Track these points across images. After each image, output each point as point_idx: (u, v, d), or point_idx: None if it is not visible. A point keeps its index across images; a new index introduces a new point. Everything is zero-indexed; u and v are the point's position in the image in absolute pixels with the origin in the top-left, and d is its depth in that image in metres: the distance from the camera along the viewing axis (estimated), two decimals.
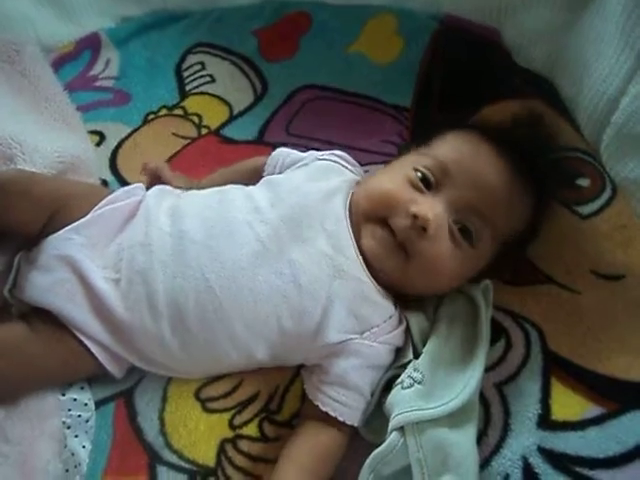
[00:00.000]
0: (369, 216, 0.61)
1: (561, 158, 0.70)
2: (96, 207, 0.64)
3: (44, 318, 0.60)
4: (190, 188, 0.71)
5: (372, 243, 0.60)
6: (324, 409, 0.57)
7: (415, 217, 0.58)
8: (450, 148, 0.63)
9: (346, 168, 0.69)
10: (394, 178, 0.62)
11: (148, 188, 0.69)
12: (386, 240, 0.59)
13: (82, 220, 0.63)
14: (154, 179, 0.73)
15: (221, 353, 0.60)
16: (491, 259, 0.63)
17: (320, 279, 0.58)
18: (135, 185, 0.69)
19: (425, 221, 0.57)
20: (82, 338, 0.59)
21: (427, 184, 0.61)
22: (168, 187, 0.69)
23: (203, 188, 0.69)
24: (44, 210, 0.63)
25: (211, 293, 0.58)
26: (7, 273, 0.63)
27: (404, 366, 0.59)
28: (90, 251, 0.61)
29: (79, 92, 0.90)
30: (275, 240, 0.60)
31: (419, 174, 0.61)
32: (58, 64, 0.93)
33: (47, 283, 0.60)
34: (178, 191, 0.69)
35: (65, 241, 0.62)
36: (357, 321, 0.59)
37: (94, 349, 0.59)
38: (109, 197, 0.65)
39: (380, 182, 0.63)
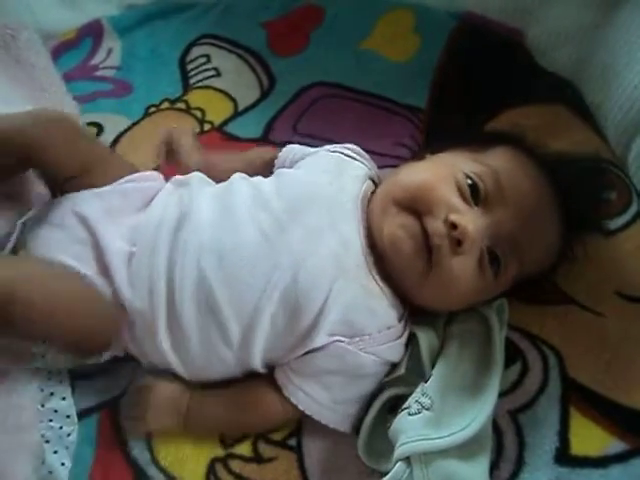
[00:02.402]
0: (402, 205, 0.56)
1: (594, 179, 0.65)
2: (119, 181, 0.62)
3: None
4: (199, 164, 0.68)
5: (399, 233, 0.55)
6: (286, 394, 0.56)
7: (454, 226, 0.53)
8: (506, 164, 0.57)
9: (357, 160, 0.65)
10: (439, 174, 0.56)
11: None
12: (416, 236, 0.54)
13: (107, 188, 0.61)
14: (168, 146, 0.70)
15: (214, 353, 0.56)
16: (508, 288, 0.59)
17: (321, 277, 0.55)
18: (152, 172, 0.67)
19: (463, 234, 0.52)
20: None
21: (476, 196, 0.56)
22: (184, 178, 0.66)
23: (217, 167, 0.68)
24: (80, 161, 0.61)
25: (206, 286, 0.55)
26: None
27: (405, 386, 0.56)
28: (108, 218, 0.60)
29: (78, 81, 0.87)
30: (277, 230, 0.56)
31: (469, 180, 0.56)
32: (58, 52, 0.90)
33: (58, 238, 0.58)
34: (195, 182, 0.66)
35: (84, 201, 0.60)
36: (349, 327, 0.55)
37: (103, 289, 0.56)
38: (131, 176, 0.64)
39: (422, 173, 0.58)
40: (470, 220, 0.53)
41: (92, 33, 0.94)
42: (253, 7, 0.95)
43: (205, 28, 0.94)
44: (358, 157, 0.65)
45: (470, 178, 0.56)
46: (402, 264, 0.55)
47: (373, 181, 0.63)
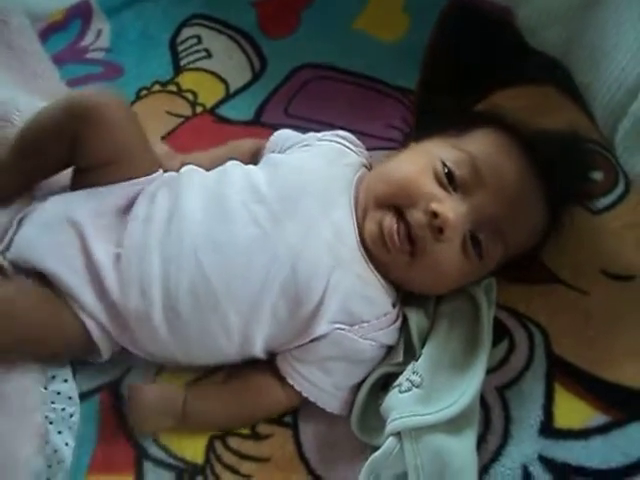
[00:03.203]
0: (382, 202, 0.57)
1: (580, 161, 0.66)
2: (123, 184, 0.62)
3: (38, 282, 0.58)
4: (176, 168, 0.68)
5: (375, 229, 0.57)
6: (290, 382, 0.57)
7: (434, 215, 0.54)
8: (483, 147, 0.58)
9: (350, 149, 0.66)
10: (418, 166, 0.58)
11: None
12: (393, 230, 0.56)
13: (99, 188, 0.61)
14: None
15: (214, 344, 0.58)
16: (494, 269, 0.60)
17: (318, 268, 0.56)
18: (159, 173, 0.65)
19: (444, 222, 0.54)
20: (73, 305, 0.57)
21: (453, 181, 0.57)
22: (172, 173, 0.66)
23: (199, 164, 0.67)
24: (111, 152, 0.61)
25: (204, 279, 0.56)
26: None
27: (395, 365, 0.58)
28: (98, 219, 0.59)
29: (68, 64, 0.87)
30: (272, 222, 0.57)
31: (446, 169, 0.57)
32: (46, 34, 0.90)
33: (47, 243, 0.58)
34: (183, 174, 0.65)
35: (75, 204, 0.60)
36: (348, 315, 0.57)
37: (85, 319, 0.57)
38: (138, 180, 0.62)
39: (401, 167, 0.59)
40: (450, 208, 0.55)
41: (80, 14, 0.93)
42: None
43: (195, 8, 0.94)
44: (350, 145, 0.66)
45: (446, 165, 0.57)
46: (385, 260, 0.57)
47: (367, 168, 0.64)
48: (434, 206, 0.54)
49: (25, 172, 0.63)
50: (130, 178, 0.62)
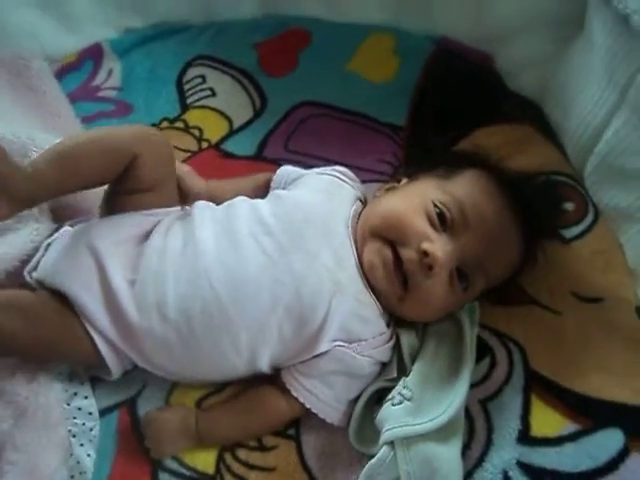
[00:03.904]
0: (378, 234, 0.63)
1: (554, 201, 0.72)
2: (142, 212, 0.66)
3: (56, 296, 0.62)
4: (200, 190, 0.74)
5: (375, 260, 0.62)
6: (295, 394, 0.62)
7: (425, 254, 0.60)
8: (469, 192, 0.64)
9: (347, 183, 0.71)
10: (411, 206, 0.63)
11: None
12: (390, 263, 0.62)
13: (119, 217, 0.66)
14: None
15: (224, 360, 0.62)
16: (476, 297, 0.66)
17: (321, 293, 0.61)
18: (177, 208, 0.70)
19: (434, 260, 0.60)
20: (89, 328, 0.61)
21: (443, 222, 0.63)
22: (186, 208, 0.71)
23: (213, 194, 0.72)
24: (157, 179, 0.66)
25: (218, 302, 0.61)
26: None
27: (389, 381, 0.63)
28: (115, 248, 0.64)
29: (82, 102, 0.91)
30: (278, 251, 0.62)
31: (437, 209, 0.63)
32: (61, 74, 0.94)
33: (68, 267, 0.63)
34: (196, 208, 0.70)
35: (96, 232, 0.65)
36: (347, 334, 0.62)
37: (98, 341, 0.61)
38: (155, 211, 0.67)
39: (396, 206, 0.65)
40: (439, 247, 0.61)
41: (93, 55, 0.97)
42: (244, 29, 1.00)
43: (200, 49, 0.98)
44: (347, 179, 0.71)
45: (437, 207, 0.63)
46: (381, 288, 0.63)
47: (361, 201, 0.70)
48: (425, 246, 0.60)
49: (63, 186, 0.64)
50: (155, 207, 0.67)
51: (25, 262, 0.66)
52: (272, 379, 0.64)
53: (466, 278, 0.63)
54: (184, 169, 0.75)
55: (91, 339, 0.62)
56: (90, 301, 0.62)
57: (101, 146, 0.63)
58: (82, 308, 0.62)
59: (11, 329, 0.60)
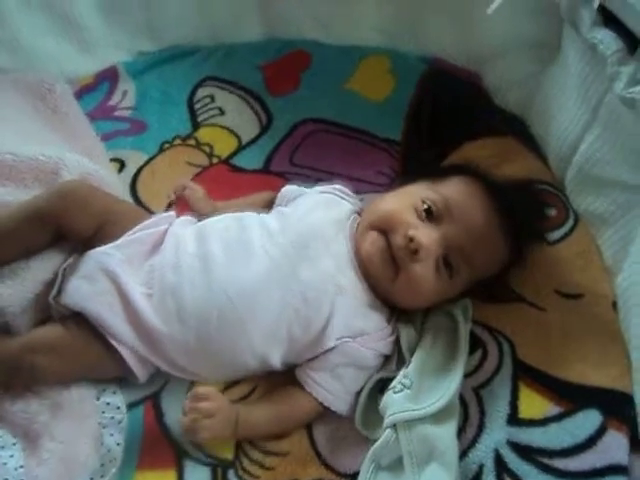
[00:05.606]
0: (373, 226, 0.69)
1: (535, 202, 0.78)
2: (132, 230, 0.71)
3: (80, 323, 0.67)
4: (208, 212, 0.79)
5: (370, 248, 0.68)
6: (308, 390, 0.67)
7: (411, 240, 0.66)
8: (456, 191, 0.70)
9: (344, 199, 0.78)
10: (402, 202, 0.70)
11: (169, 206, 0.80)
12: (383, 249, 0.68)
13: (122, 240, 0.71)
14: (180, 197, 0.83)
15: (240, 360, 0.68)
16: (464, 288, 0.72)
17: (324, 295, 0.67)
18: (168, 214, 0.77)
19: (419, 245, 0.66)
20: (114, 343, 0.66)
21: (430, 215, 0.69)
22: (190, 218, 0.78)
23: (220, 213, 0.78)
24: (95, 221, 0.70)
25: (232, 308, 0.67)
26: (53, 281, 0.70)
27: (391, 372, 0.68)
28: (128, 267, 0.69)
29: (98, 121, 0.96)
30: (286, 261, 0.69)
31: (425, 205, 0.69)
32: (79, 95, 0.99)
33: (90, 292, 0.68)
34: (197, 221, 0.77)
35: (107, 256, 0.69)
36: (351, 330, 0.68)
37: (124, 353, 0.67)
38: (145, 223, 0.73)
39: (388, 203, 0.71)
40: (424, 234, 0.67)
41: (109, 77, 1.03)
42: (250, 52, 1.06)
43: (208, 71, 1.03)
44: (345, 196, 0.78)
45: (425, 202, 0.69)
46: (375, 272, 0.69)
47: (358, 214, 0.76)
48: (411, 232, 0.66)
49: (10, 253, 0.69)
50: (129, 228, 0.71)
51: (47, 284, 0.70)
52: (297, 384, 0.68)
53: (451, 266, 0.69)
54: (197, 195, 0.82)
55: (117, 353, 0.67)
56: (115, 320, 0.67)
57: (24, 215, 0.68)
58: (108, 328, 0.67)
59: (51, 369, 0.66)
